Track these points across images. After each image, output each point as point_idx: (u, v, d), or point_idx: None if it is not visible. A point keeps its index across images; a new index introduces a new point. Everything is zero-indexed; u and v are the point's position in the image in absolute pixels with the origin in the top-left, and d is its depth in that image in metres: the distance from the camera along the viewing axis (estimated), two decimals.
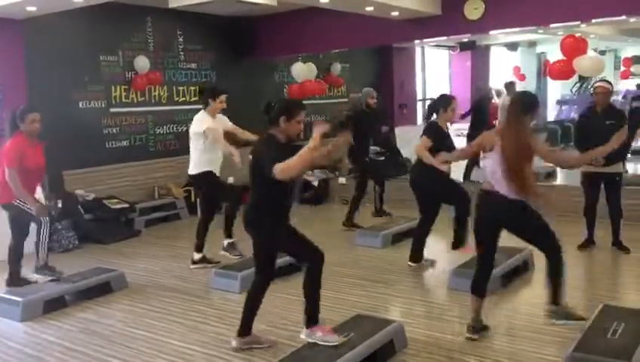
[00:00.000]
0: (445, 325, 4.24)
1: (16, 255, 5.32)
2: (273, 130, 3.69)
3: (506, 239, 5.40)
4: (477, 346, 3.87)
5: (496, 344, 3.89)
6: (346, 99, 11.75)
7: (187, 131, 8.93)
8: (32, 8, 6.33)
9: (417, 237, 5.60)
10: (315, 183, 9.53)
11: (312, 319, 3.68)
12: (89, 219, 7.31)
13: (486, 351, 3.76)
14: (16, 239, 5.31)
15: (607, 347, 3.35)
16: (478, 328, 3.95)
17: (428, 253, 5.70)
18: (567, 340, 3.64)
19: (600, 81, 6.02)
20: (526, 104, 3.79)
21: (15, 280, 5.29)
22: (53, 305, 4.80)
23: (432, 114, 5.41)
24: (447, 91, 14.34)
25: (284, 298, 4.90)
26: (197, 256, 5.86)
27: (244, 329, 3.86)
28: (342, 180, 9.43)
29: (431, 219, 5.50)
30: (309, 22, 8.77)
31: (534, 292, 4.97)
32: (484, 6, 7.49)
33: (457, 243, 5.49)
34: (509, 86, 10.43)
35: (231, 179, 9.32)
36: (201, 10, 8.34)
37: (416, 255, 5.57)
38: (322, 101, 10.88)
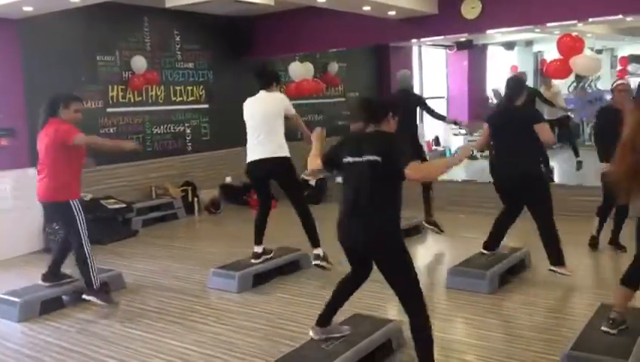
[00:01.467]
0: (443, 324, 4.24)
1: (64, 248, 4.88)
2: (378, 126, 3.26)
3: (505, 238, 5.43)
4: (475, 345, 3.88)
5: (493, 343, 3.89)
6: (342, 99, 11.76)
7: (183, 131, 9.07)
8: (28, 8, 6.31)
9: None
10: (313, 183, 9.53)
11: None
12: (87, 220, 7.27)
13: (484, 350, 3.77)
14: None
15: (604, 345, 3.36)
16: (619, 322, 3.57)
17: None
18: (565, 339, 3.65)
19: (619, 79, 5.96)
20: None
21: (53, 273, 4.89)
22: (51, 306, 4.79)
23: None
24: (444, 91, 14.37)
25: (285, 298, 4.90)
26: (259, 248, 5.40)
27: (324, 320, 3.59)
28: (339, 179, 9.41)
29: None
30: (306, 21, 8.77)
31: (532, 290, 4.98)
32: (481, 5, 7.50)
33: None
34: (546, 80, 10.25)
35: (228, 179, 9.37)
36: (198, 10, 8.34)
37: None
38: (319, 100, 10.88)
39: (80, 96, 4.92)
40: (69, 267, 5.05)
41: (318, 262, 5.16)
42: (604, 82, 17.52)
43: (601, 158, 5.52)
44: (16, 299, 4.70)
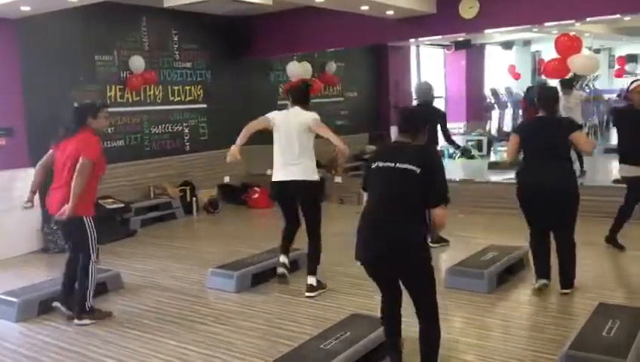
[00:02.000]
0: (442, 324, 4.23)
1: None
2: (416, 139, 3.17)
3: (501, 238, 5.43)
4: (473, 345, 3.88)
5: (491, 342, 3.89)
6: (341, 98, 11.76)
7: (182, 131, 9.06)
8: (26, 8, 6.30)
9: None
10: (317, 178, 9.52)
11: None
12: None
13: (482, 350, 3.77)
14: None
15: (602, 345, 3.36)
16: None
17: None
18: (563, 338, 3.65)
19: (635, 80, 5.87)
20: None
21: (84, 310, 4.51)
22: (49, 306, 4.78)
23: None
24: (442, 90, 14.38)
25: (283, 298, 4.90)
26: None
27: None
28: (338, 180, 9.44)
29: None
30: (304, 21, 8.77)
31: (529, 289, 4.99)
32: (479, 5, 7.51)
33: None
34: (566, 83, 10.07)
35: (227, 179, 9.36)
36: (196, 10, 8.34)
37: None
38: (317, 100, 10.87)
39: (106, 103, 4.78)
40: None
41: (311, 294, 4.81)
42: (602, 82, 17.55)
43: (622, 159, 5.49)
44: (14, 299, 4.69)
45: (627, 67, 18.98)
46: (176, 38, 8.97)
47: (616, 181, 8.67)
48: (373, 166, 3.12)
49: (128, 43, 8.31)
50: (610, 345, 3.35)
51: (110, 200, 7.70)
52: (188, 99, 9.14)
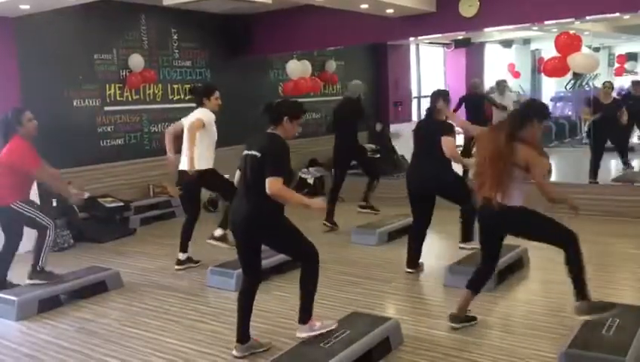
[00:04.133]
0: (441, 322, 4.25)
1: (6, 261, 5.09)
2: (274, 129, 3.68)
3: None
4: (472, 343, 3.88)
5: (491, 341, 3.90)
6: (340, 97, 11.74)
7: (181, 129, 9.01)
8: (25, 6, 6.29)
9: None
10: (311, 181, 9.54)
11: (307, 314, 3.69)
12: (84, 218, 7.29)
13: (481, 348, 3.78)
14: (10, 244, 5.08)
15: (601, 343, 3.37)
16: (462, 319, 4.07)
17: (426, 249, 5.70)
18: (563, 336, 3.66)
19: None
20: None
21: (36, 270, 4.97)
22: (49, 304, 4.79)
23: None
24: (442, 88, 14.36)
25: (283, 296, 4.90)
26: (184, 255, 5.88)
27: (243, 336, 3.76)
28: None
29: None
30: (303, 19, 8.76)
31: (529, 288, 5.00)
32: (478, 3, 7.50)
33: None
34: (501, 83, 10.40)
35: (227, 177, 9.33)
36: (196, 8, 8.33)
37: None
38: (317, 98, 10.87)
39: (25, 107, 5.20)
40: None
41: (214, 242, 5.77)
42: (602, 80, 17.54)
43: None
44: (13, 298, 4.69)
45: (627, 65, 18.96)
46: (175, 37, 8.96)
47: (615, 180, 8.72)
48: (243, 154, 3.73)
49: (127, 41, 8.31)
50: (609, 344, 3.35)
51: (109, 198, 7.71)
52: (188, 97, 9.10)
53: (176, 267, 5.79)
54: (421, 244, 5.37)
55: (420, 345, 3.87)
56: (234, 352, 3.73)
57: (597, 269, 5.36)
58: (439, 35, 10.81)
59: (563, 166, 10.26)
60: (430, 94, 5.50)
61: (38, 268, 4.91)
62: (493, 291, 4.75)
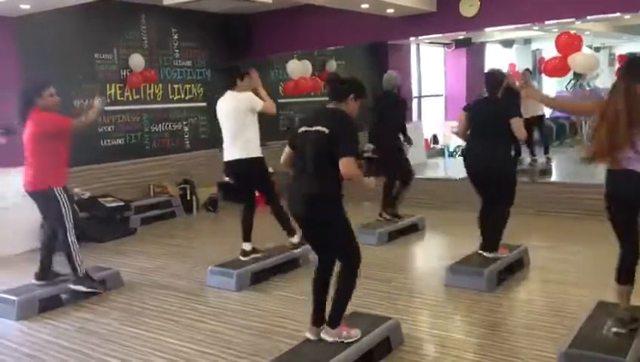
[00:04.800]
0: (442, 322, 4.25)
1: (49, 249, 4.97)
2: (338, 105, 3.46)
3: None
4: (473, 343, 3.88)
5: (492, 341, 3.89)
6: None
7: (182, 129, 9.06)
8: (25, 6, 6.29)
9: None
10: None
11: (338, 318, 3.51)
12: (84, 218, 7.28)
13: (482, 348, 3.77)
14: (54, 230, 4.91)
15: (602, 343, 3.37)
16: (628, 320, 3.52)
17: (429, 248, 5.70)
18: (563, 336, 3.65)
19: None
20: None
21: (46, 272, 4.91)
22: (49, 304, 4.79)
23: None
24: (442, 88, 14.37)
25: (283, 296, 4.90)
26: (249, 246, 5.49)
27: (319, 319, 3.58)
28: None
29: None
30: (304, 19, 8.76)
31: (530, 288, 4.99)
32: (479, 3, 7.50)
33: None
34: (525, 73, 10.23)
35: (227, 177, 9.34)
36: (196, 8, 8.33)
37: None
38: (317, 98, 10.87)
39: (47, 79, 4.96)
40: (59, 264, 5.04)
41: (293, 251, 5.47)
42: (602, 80, 17.54)
43: None
44: (14, 298, 4.69)
45: None
46: (176, 37, 8.96)
47: None
48: (300, 131, 3.49)
49: (128, 41, 8.31)
50: (610, 344, 3.35)
51: (110, 198, 7.70)
52: (188, 97, 9.14)
53: (242, 258, 5.39)
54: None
55: (420, 344, 3.87)
56: (307, 334, 3.56)
57: (599, 268, 5.36)
58: (440, 35, 10.81)
59: (565, 166, 10.24)
60: (491, 75, 5.19)
61: (80, 274, 4.80)
62: (493, 291, 4.75)
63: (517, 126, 4.84)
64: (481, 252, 5.16)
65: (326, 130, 3.30)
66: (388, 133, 6.61)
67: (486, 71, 5.55)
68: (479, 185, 5.12)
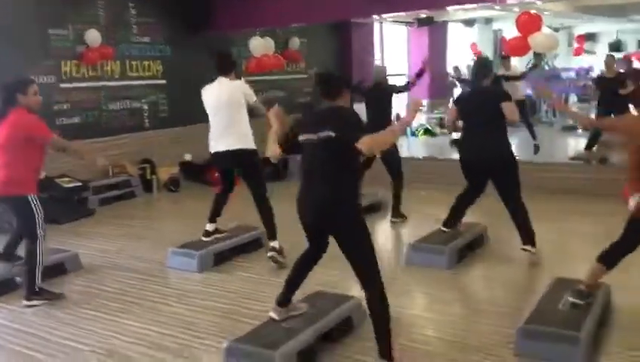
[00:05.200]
0: (402, 299, 4.29)
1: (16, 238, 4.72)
2: (333, 102, 3.30)
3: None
4: (433, 320, 3.94)
5: (451, 317, 3.96)
6: (304, 75, 11.67)
7: (141, 107, 8.86)
8: None
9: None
10: (275, 161, 9.45)
11: (386, 348, 3.14)
12: (41, 199, 7.06)
13: (442, 325, 3.84)
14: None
15: (558, 318, 3.45)
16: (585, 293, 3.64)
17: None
18: (521, 311, 3.73)
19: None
20: None
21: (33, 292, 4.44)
22: (3, 288, 4.65)
23: None
24: (405, 68, 14.41)
25: (246, 277, 4.88)
26: (212, 226, 5.36)
27: (285, 300, 3.55)
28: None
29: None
30: None
31: (490, 266, 5.08)
32: None
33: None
34: (505, 59, 10.27)
35: (188, 157, 9.21)
36: None
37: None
38: (280, 77, 10.76)
39: (33, 78, 4.66)
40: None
41: (273, 254, 4.95)
42: (561, 60, 17.83)
43: None
44: None
45: (586, 46, 19.33)
46: (133, 12, 8.70)
47: (573, 158, 8.92)
48: (301, 138, 3.30)
49: (84, 16, 8.03)
50: (564, 319, 3.44)
51: (67, 178, 7.50)
52: (147, 74, 8.92)
53: (204, 238, 5.28)
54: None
55: (402, 327, 3.89)
56: (271, 314, 3.52)
57: (557, 246, 5.49)
58: (402, 14, 10.79)
59: (526, 146, 10.41)
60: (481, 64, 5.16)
61: (36, 288, 4.41)
62: (453, 268, 4.82)
63: (509, 109, 4.74)
64: (444, 229, 5.24)
65: (332, 134, 3.11)
66: (386, 125, 6.53)
67: (474, 58, 5.52)
68: (475, 173, 5.00)
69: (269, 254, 4.99)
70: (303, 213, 3.32)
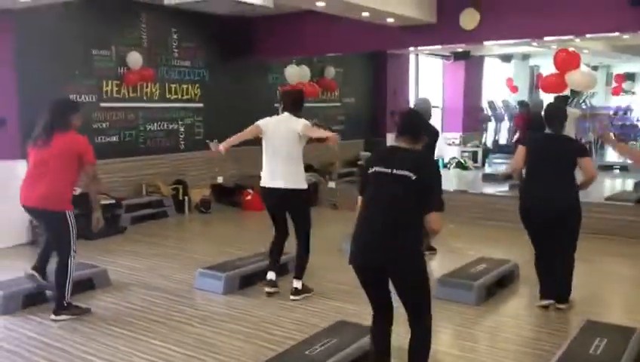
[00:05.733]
0: None
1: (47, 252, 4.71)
2: (414, 145, 3.08)
3: (493, 250, 5.41)
4: (459, 357, 3.86)
5: (478, 356, 3.87)
6: (338, 103, 11.76)
7: (177, 129, 9.02)
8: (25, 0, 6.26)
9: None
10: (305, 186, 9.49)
11: None
12: (74, 214, 7.20)
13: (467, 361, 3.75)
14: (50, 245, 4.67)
15: None
16: None
17: None
18: (550, 354, 3.63)
19: None
20: None
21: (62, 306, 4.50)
22: (34, 300, 4.73)
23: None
24: (439, 101, 14.40)
25: (271, 301, 4.86)
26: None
27: None
28: (331, 185, 9.42)
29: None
30: (304, 25, 8.76)
31: (519, 303, 4.97)
32: (479, 16, 7.52)
33: None
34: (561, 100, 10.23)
35: (220, 179, 9.32)
36: (197, 8, 8.30)
37: None
38: (315, 105, 10.87)
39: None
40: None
41: (294, 298, 4.84)
42: (599, 99, 17.60)
43: None
44: None
45: (624, 85, 19.07)
46: (175, 36, 8.94)
47: (608, 199, 8.73)
48: (371, 171, 3.06)
49: (126, 39, 8.29)
50: None
51: (101, 195, 7.63)
52: (185, 97, 9.11)
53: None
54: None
55: (405, 356, 3.82)
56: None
57: (590, 287, 5.36)
58: (439, 47, 10.84)
59: None
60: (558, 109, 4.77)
61: (65, 303, 4.48)
62: (481, 305, 4.73)
63: (588, 167, 4.45)
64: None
65: (412, 176, 2.90)
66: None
67: (548, 103, 5.14)
68: (541, 228, 4.57)
69: (292, 297, 4.85)
70: (362, 255, 3.09)
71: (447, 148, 13.32)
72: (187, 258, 6.19)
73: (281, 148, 4.80)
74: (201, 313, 4.62)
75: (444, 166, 12.01)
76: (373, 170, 3.05)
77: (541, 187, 4.48)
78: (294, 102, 4.96)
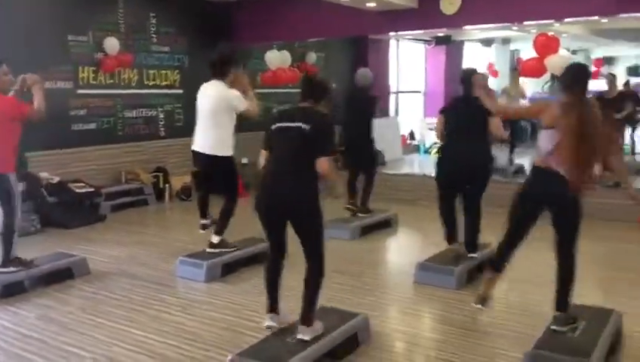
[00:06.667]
0: (410, 319, 4.25)
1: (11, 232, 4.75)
2: (315, 105, 3.55)
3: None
4: (439, 341, 3.88)
5: (457, 339, 3.89)
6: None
7: (156, 116, 8.91)
8: None
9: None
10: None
11: (310, 316, 3.49)
12: (53, 203, 7.13)
13: (448, 346, 3.77)
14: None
15: (566, 344, 3.38)
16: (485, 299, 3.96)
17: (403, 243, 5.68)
18: (529, 336, 3.66)
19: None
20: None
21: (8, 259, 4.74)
22: (12, 290, 4.66)
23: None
24: (421, 85, 14.41)
25: (252, 289, 4.85)
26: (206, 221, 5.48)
27: (272, 307, 3.73)
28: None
29: None
30: (285, 10, 8.68)
31: (499, 288, 5.00)
32: (459, 1, 7.51)
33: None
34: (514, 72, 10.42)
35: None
36: None
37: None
38: (296, 90, 10.77)
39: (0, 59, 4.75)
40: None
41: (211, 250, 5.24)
42: None
43: None
44: None
45: (603, 69, 19.23)
46: (154, 21, 8.79)
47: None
48: (274, 127, 3.50)
49: (103, 24, 8.13)
50: (574, 345, 3.37)
51: (80, 184, 7.55)
52: (164, 83, 8.99)
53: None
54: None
55: (387, 341, 3.85)
56: (266, 323, 3.64)
57: None
58: (420, 32, 10.82)
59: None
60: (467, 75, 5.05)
61: (10, 257, 4.72)
62: (461, 289, 4.76)
63: (496, 125, 4.85)
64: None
65: (306, 127, 3.35)
66: (363, 128, 6.58)
67: (463, 69, 5.52)
68: (453, 183, 5.06)
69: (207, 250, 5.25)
70: (264, 204, 3.54)
71: (429, 133, 13.33)
72: (168, 246, 6.14)
73: (207, 114, 5.17)
74: (182, 301, 4.59)
75: (426, 151, 12.02)
76: (276, 125, 3.49)
77: (459, 146, 4.92)
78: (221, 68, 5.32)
